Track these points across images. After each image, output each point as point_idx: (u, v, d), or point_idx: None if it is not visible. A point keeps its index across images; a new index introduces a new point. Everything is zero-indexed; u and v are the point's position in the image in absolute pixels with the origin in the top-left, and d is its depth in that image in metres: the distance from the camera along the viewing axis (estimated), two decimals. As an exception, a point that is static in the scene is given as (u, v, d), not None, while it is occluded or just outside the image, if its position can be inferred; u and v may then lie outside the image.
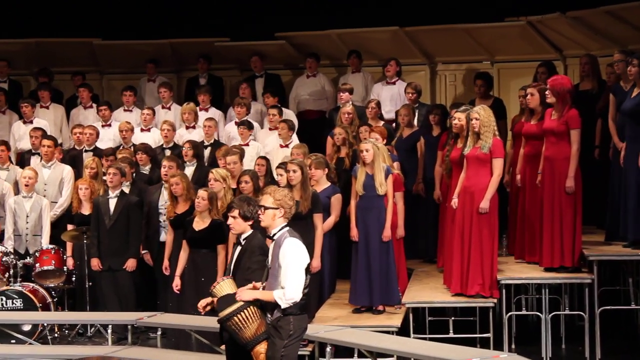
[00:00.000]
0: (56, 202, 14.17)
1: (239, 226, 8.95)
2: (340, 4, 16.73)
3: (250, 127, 14.62)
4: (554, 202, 11.73)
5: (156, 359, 10.91)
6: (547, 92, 11.80)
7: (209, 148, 14.40)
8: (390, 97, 15.67)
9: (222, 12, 17.20)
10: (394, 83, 15.87)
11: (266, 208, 8.60)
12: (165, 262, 12.47)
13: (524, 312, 12.57)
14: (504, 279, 11.87)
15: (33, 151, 14.73)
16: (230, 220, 9.03)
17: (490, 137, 11.47)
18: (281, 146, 14.27)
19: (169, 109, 15.97)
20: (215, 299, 8.74)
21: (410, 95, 14.78)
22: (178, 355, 11.05)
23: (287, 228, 8.60)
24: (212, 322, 9.67)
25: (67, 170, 14.32)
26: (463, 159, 11.73)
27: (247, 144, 14.31)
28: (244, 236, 8.95)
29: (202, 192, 11.70)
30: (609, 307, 11.85)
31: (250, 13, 17.11)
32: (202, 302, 9.05)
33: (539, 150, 12.05)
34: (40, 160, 14.38)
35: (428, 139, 13.87)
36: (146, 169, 14.11)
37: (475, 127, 11.51)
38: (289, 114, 15.62)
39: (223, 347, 9.76)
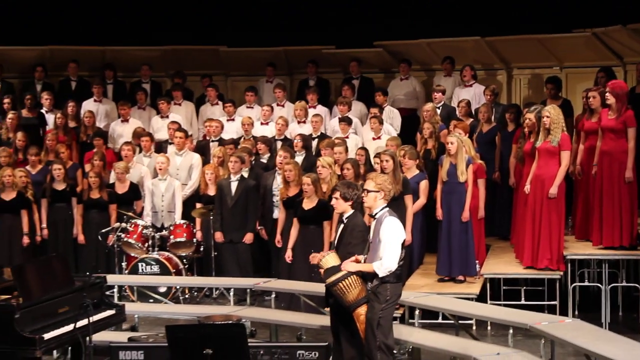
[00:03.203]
0: (187, 184, 14.31)
1: (340, 206, 9.00)
2: (430, 16, 16.68)
3: (349, 122, 14.62)
4: (613, 190, 11.63)
5: (270, 318, 10.96)
6: (606, 94, 11.69)
7: (316, 140, 14.44)
8: (469, 97, 15.56)
9: (329, 24, 17.23)
10: (470, 86, 15.78)
11: (369, 191, 8.65)
12: (278, 236, 12.56)
13: (586, 283, 12.45)
14: (570, 254, 11.80)
15: (169, 141, 14.90)
16: (333, 201, 9.09)
17: (559, 133, 11.41)
18: (373, 139, 14.27)
19: (283, 106, 16.02)
20: (322, 270, 8.81)
21: (489, 96, 14.72)
22: (289, 315, 11.08)
23: (387, 208, 8.64)
24: (318, 287, 9.77)
25: (196, 158, 14.46)
26: (534, 151, 11.68)
27: (347, 137, 14.32)
28: (346, 215, 9.01)
29: (305, 179, 11.77)
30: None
31: (353, 24, 17.12)
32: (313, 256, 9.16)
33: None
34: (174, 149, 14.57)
35: (504, 133, 13.78)
36: (265, 158, 14.20)
37: (546, 124, 11.45)
38: (394, 112, 15.61)
39: (327, 309, 9.83)
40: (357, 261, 8.67)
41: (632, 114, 11.54)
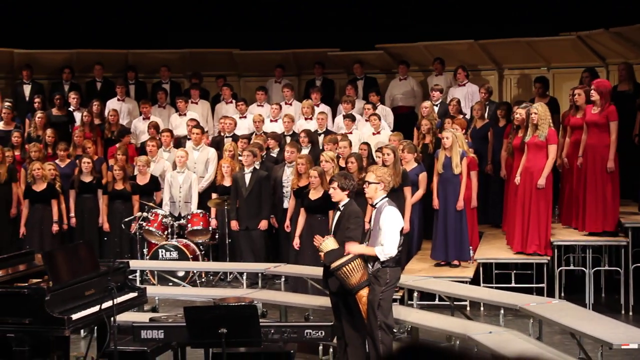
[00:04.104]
0: (203, 177, 14.34)
1: (337, 195, 9.00)
2: (427, 21, 16.66)
3: (353, 119, 14.64)
4: (596, 180, 11.63)
5: (280, 300, 10.99)
6: (591, 92, 11.69)
7: (322, 135, 14.45)
8: (463, 96, 15.57)
9: (334, 28, 17.22)
10: (464, 85, 15.78)
11: (370, 183, 8.65)
12: (287, 222, 12.59)
13: (571, 267, 12.47)
14: (556, 240, 11.80)
15: (188, 137, 14.92)
16: (331, 191, 9.09)
17: (547, 128, 11.41)
18: (373, 134, 14.27)
19: (291, 104, 16.02)
20: (322, 253, 8.82)
21: (484, 94, 14.74)
22: (297, 297, 11.11)
23: (387, 198, 8.64)
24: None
25: (212, 152, 14.48)
26: (524, 145, 11.67)
27: (350, 132, 14.33)
28: (342, 203, 8.99)
29: (312, 171, 11.77)
30: (640, 265, 11.75)
31: (356, 29, 17.12)
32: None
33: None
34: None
35: (496, 129, 13.79)
36: (275, 152, 14.21)
37: (534, 120, 11.45)
38: (387, 110, 15.62)
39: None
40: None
41: (614, 109, 11.55)
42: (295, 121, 15.05)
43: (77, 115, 15.82)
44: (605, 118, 11.53)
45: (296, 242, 11.90)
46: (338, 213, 9.03)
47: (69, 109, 16.02)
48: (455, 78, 15.91)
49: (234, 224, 13.12)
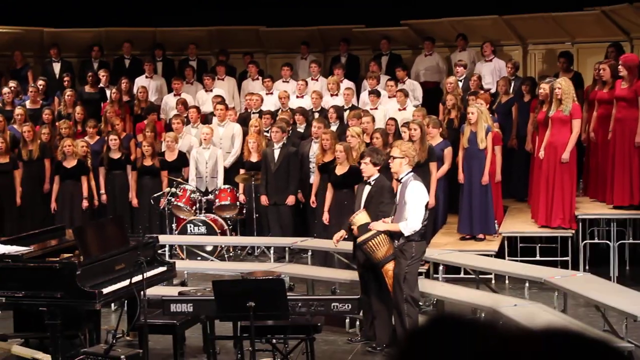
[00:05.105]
0: (229, 153, 14.34)
1: (369, 170, 8.99)
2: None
3: (378, 95, 14.58)
4: (624, 153, 11.54)
5: (307, 274, 10.99)
6: (619, 67, 11.58)
7: (348, 111, 14.40)
8: (490, 71, 15.49)
9: (359, 4, 17.15)
10: (490, 60, 15.68)
11: (395, 157, 8.63)
12: (312, 198, 12.58)
13: (596, 240, 12.41)
14: (581, 214, 11.74)
15: (214, 113, 14.92)
16: (362, 166, 9.07)
17: (570, 103, 11.32)
18: (399, 110, 14.21)
19: (317, 80, 15.97)
20: (355, 227, 8.81)
21: (510, 69, 14.68)
22: (323, 271, 11.11)
23: (412, 173, 8.62)
24: (351, 246, 9.74)
25: (237, 128, 14.45)
26: (548, 120, 11.59)
27: (376, 108, 14.27)
28: (373, 178, 8.98)
29: (338, 146, 11.71)
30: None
31: (381, 4, 17.04)
32: (336, 236, 9.16)
33: (609, 112, 11.86)
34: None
35: (520, 104, 13.71)
36: (302, 128, 14.18)
37: (558, 95, 11.36)
38: (415, 84, 15.55)
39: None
40: (384, 222, 8.67)
41: (643, 83, 11.47)
42: (322, 97, 15.01)
43: (106, 93, 15.87)
44: (634, 92, 11.43)
45: (326, 217, 11.86)
46: (368, 187, 9.00)
47: (99, 85, 16.06)
48: (482, 54, 15.80)
49: (264, 199, 13.12)
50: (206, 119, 15.30)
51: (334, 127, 13.49)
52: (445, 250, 10.86)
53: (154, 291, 8.93)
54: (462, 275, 11.19)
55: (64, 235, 9.40)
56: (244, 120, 14.78)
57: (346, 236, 9.15)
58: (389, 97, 14.69)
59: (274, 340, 8.03)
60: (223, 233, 13.15)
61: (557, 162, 11.39)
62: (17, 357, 8.78)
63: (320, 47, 17.97)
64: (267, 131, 13.66)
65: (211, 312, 7.73)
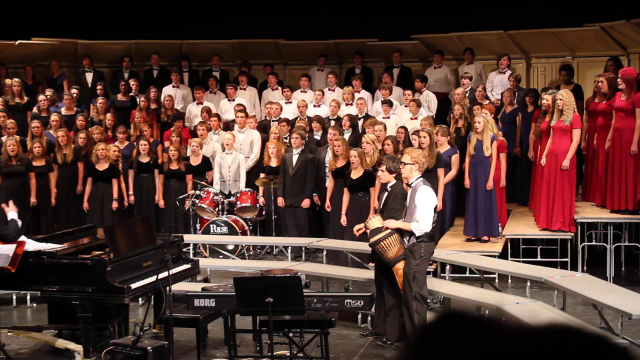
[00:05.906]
0: (249, 157, 14.35)
1: (386, 177, 8.99)
2: (459, 12, 16.56)
3: (390, 104, 14.57)
4: (621, 161, 11.51)
5: (322, 272, 10.99)
6: (618, 80, 11.55)
7: (362, 120, 14.41)
8: (501, 82, 15.46)
9: (373, 20, 17.19)
10: (504, 72, 15.65)
11: (405, 164, 8.63)
12: (327, 202, 12.58)
13: (593, 243, 12.36)
14: (580, 218, 11.71)
15: (235, 120, 14.94)
16: (379, 173, 9.07)
17: (571, 113, 11.30)
18: (411, 119, 14.20)
19: (333, 91, 15.99)
20: (368, 230, 8.82)
21: (512, 82, 14.65)
22: (338, 270, 11.11)
23: (422, 178, 8.63)
24: (363, 246, 9.77)
25: (256, 134, 14.47)
26: (550, 129, 11.57)
27: (388, 117, 14.27)
28: (390, 184, 8.99)
29: (352, 152, 11.73)
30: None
31: (393, 20, 17.05)
32: (356, 227, 9.19)
33: (607, 123, 11.83)
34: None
35: (524, 114, 13.69)
36: (318, 135, 14.20)
37: (559, 106, 11.35)
38: (431, 96, 15.52)
39: (372, 264, 9.85)
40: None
41: (639, 96, 11.42)
42: (340, 106, 15.03)
43: (137, 101, 15.92)
44: (631, 104, 11.40)
45: (343, 220, 11.86)
46: (385, 193, 9.00)
47: (130, 94, 16.12)
48: (498, 65, 15.73)
49: (280, 200, 13.14)
50: (227, 125, 15.33)
51: (347, 134, 13.51)
52: (452, 251, 10.85)
53: (178, 287, 8.97)
54: (467, 274, 11.20)
55: (96, 233, 9.44)
56: (264, 127, 14.82)
57: (364, 231, 9.15)
58: (405, 106, 14.67)
59: (291, 334, 8.06)
60: (244, 233, 13.17)
61: (558, 169, 11.38)
62: (51, 346, 8.84)
63: (336, 60, 17.99)
64: (287, 138, 13.70)
65: (232, 307, 7.76)
